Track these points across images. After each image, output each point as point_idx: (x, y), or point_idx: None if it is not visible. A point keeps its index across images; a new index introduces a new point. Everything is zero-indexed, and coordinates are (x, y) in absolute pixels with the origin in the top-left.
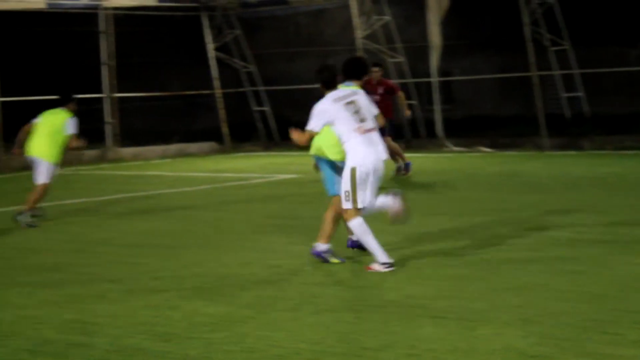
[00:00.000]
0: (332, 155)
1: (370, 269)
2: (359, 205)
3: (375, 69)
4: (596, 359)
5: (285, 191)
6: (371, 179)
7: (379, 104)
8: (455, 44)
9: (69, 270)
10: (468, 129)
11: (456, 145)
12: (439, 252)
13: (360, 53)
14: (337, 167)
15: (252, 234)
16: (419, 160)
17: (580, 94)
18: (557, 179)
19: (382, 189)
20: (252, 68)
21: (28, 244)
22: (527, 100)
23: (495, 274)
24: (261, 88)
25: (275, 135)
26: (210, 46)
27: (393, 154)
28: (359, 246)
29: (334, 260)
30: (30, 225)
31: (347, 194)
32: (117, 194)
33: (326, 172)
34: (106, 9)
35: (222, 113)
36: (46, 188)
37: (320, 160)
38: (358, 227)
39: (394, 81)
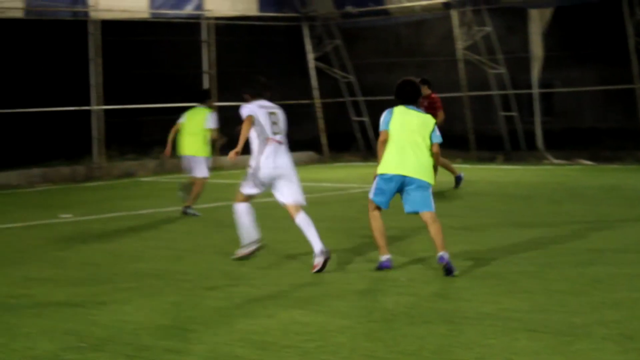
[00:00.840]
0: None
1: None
2: (245, 192)
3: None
4: None
5: None
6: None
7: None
8: (557, 55)
9: (166, 277)
10: (568, 142)
11: (556, 157)
12: (535, 264)
13: (460, 64)
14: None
15: (348, 243)
16: (518, 172)
17: None
18: None
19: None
20: (352, 78)
21: (126, 250)
22: (630, 113)
23: (594, 288)
24: (360, 98)
25: (374, 145)
26: (310, 56)
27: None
28: (448, 269)
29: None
30: (194, 215)
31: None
32: (217, 202)
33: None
34: (208, 18)
35: (321, 123)
36: (205, 181)
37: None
38: (241, 209)
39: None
